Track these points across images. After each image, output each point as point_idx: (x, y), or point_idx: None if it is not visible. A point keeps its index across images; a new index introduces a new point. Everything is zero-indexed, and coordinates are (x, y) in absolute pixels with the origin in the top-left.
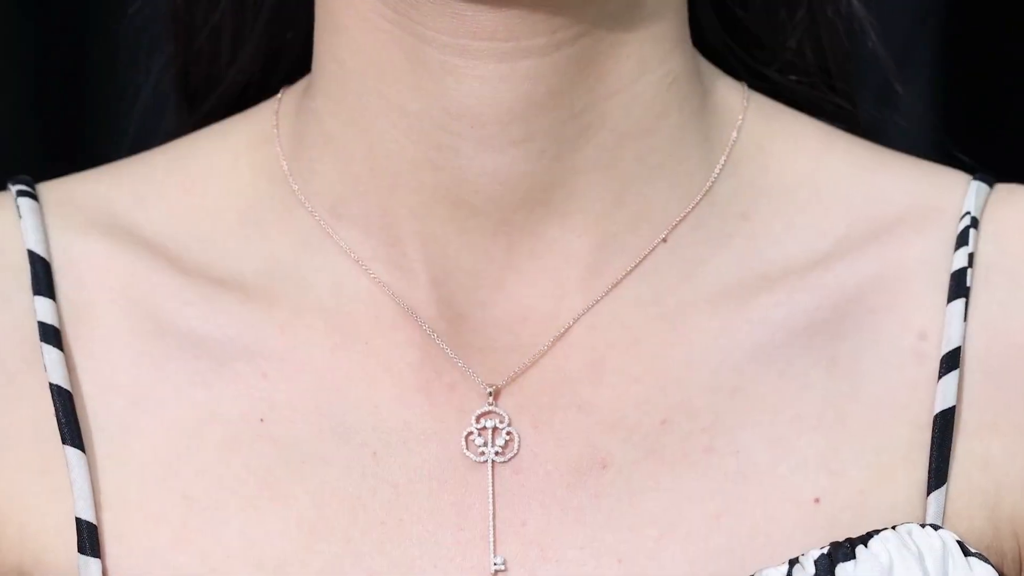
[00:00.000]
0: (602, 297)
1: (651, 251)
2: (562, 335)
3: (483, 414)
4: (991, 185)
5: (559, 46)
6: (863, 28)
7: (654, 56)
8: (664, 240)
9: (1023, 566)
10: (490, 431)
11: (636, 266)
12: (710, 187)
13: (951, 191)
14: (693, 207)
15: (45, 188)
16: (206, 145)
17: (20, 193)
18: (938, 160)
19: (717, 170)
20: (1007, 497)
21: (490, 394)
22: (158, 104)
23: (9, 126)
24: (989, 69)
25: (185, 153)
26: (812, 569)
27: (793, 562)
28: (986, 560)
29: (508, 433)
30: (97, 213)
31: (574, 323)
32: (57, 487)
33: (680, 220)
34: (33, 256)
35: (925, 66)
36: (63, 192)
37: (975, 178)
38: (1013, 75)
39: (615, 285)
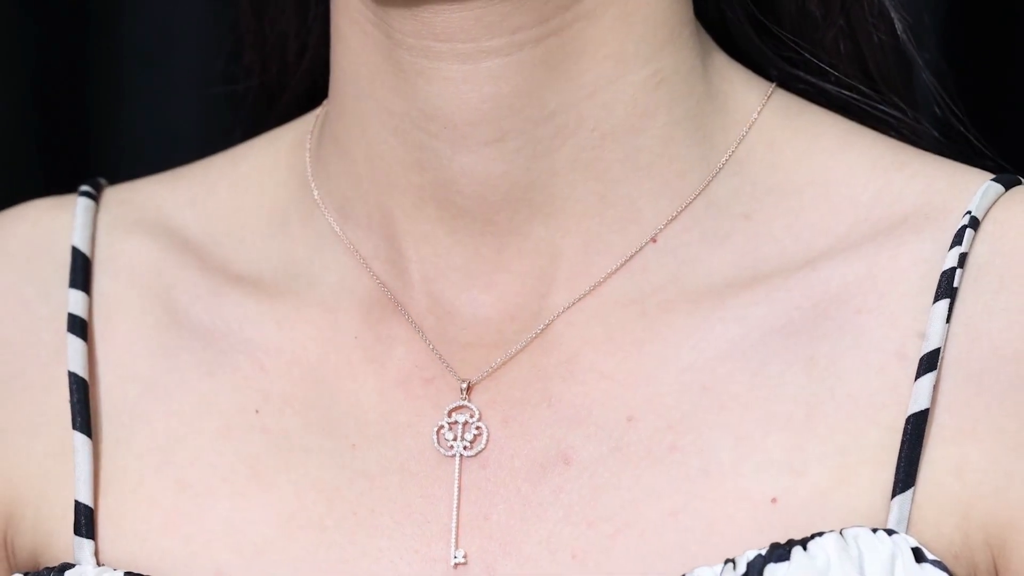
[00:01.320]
0: (584, 295)
1: (639, 251)
2: (541, 332)
3: (455, 408)
4: (1009, 186)
5: (521, 46)
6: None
7: (637, 56)
8: (654, 240)
9: (997, 574)
10: (460, 425)
11: (622, 265)
12: (707, 186)
13: (963, 191)
14: (686, 207)
15: (112, 190)
16: (258, 147)
17: (82, 193)
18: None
19: (717, 169)
20: (979, 504)
21: (463, 389)
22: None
23: (10, 126)
24: (989, 69)
25: (239, 156)
26: (744, 569)
27: (728, 561)
28: (944, 568)
29: (477, 428)
30: (147, 212)
31: (553, 320)
32: (67, 473)
33: (672, 220)
34: (75, 252)
35: (925, 66)
36: (124, 193)
37: (994, 179)
38: (1013, 75)
39: (599, 284)
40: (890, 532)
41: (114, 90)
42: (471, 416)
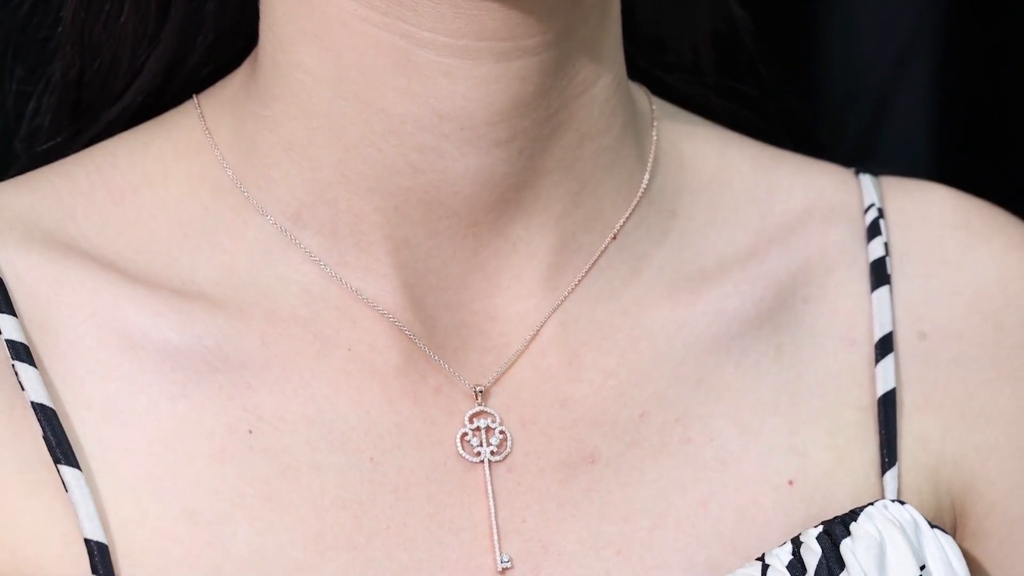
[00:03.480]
0: (568, 295)
1: (604, 248)
2: (536, 334)
3: (475, 414)
4: (876, 176)
5: (547, 46)
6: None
7: (610, 58)
8: (614, 237)
9: (956, 533)
10: (483, 431)
11: (593, 264)
12: (647, 185)
13: (845, 185)
14: (636, 204)
15: None
16: (127, 155)
17: None
18: (933, 158)
19: (649, 168)
20: (943, 472)
21: (478, 395)
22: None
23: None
24: (988, 69)
25: (104, 163)
26: (818, 548)
27: (796, 542)
28: (947, 532)
29: (501, 432)
30: (28, 227)
31: (546, 321)
32: (50, 508)
33: (627, 218)
34: None
35: (924, 66)
36: None
37: (858, 171)
38: (1013, 75)
39: (578, 283)
40: (902, 503)
41: None
42: (493, 421)
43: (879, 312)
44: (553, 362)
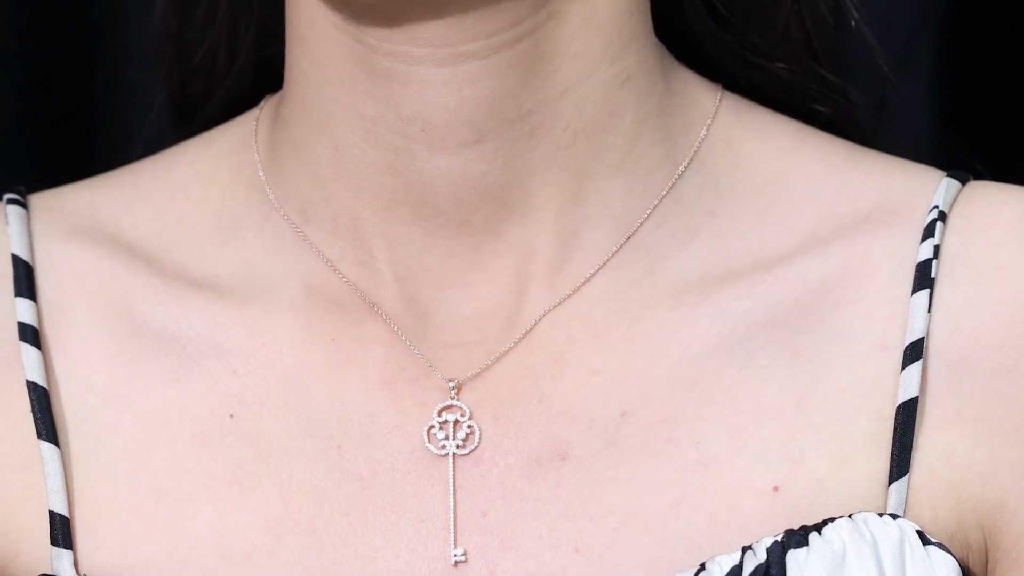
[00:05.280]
0: (569, 295)
1: (617, 248)
2: (529, 332)
3: (444, 408)
4: (964, 182)
5: (498, 48)
6: (850, 16)
7: (605, 56)
8: (628, 237)
9: (988, 555)
10: (451, 424)
11: (603, 264)
12: (674, 184)
13: (923, 188)
14: (657, 204)
15: (36, 197)
16: (191, 152)
17: (10, 201)
18: (933, 158)
19: (682, 168)
20: (969, 488)
21: (452, 388)
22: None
23: (7, 132)
24: (989, 69)
25: (171, 161)
26: (764, 555)
27: (746, 549)
28: (946, 550)
29: (469, 426)
30: (82, 219)
31: (540, 319)
32: (33, 484)
33: (643, 217)
34: (16, 260)
35: (924, 66)
36: (53, 200)
37: (948, 175)
38: (1013, 75)
39: (583, 283)
40: (894, 516)
41: (117, 89)
42: (462, 415)
43: (914, 317)
44: (538, 359)
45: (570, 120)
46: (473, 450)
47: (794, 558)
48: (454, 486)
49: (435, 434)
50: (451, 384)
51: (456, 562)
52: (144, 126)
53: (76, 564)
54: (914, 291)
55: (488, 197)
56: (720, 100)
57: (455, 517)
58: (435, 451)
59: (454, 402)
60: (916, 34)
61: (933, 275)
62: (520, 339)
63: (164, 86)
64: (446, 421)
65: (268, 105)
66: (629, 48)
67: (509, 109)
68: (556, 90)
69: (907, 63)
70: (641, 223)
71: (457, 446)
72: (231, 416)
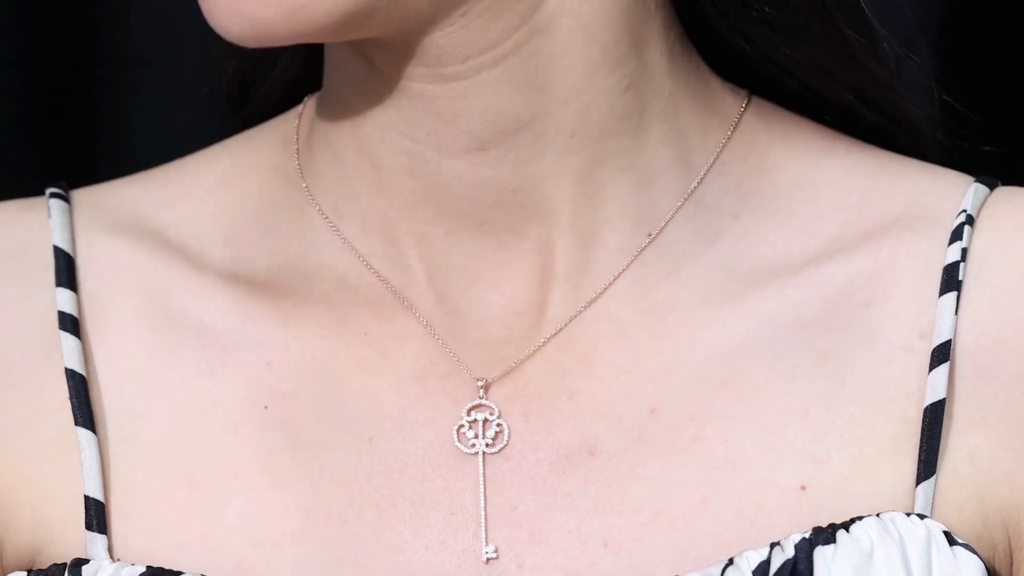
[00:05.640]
0: (601, 293)
1: (640, 249)
2: (559, 331)
3: (474, 407)
4: (993, 187)
5: (478, 70)
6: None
7: (604, 64)
8: (650, 236)
9: (1013, 555)
10: (480, 423)
11: (629, 263)
12: (696, 186)
13: (950, 192)
14: (680, 206)
15: (79, 193)
16: (233, 148)
17: (52, 195)
18: (933, 158)
19: (704, 170)
20: (993, 489)
21: (481, 387)
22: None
23: (7, 132)
24: (989, 69)
25: (213, 157)
26: (792, 551)
27: (774, 545)
28: (972, 550)
29: (498, 425)
30: (123, 214)
31: (572, 319)
32: (69, 470)
33: (664, 217)
34: (58, 251)
35: (925, 63)
36: (94, 195)
37: (977, 180)
38: (1013, 75)
39: (609, 282)
40: (921, 516)
41: (117, 90)
42: (491, 414)
43: (941, 319)
44: (567, 357)
45: (576, 128)
46: (502, 448)
47: (822, 555)
48: (484, 481)
49: (464, 433)
50: (480, 383)
51: (488, 559)
52: (144, 127)
53: (110, 549)
54: (941, 294)
55: (502, 199)
56: (746, 104)
57: (485, 510)
58: (464, 450)
59: (483, 401)
60: (916, 34)
61: (960, 278)
62: (549, 337)
63: (218, 78)
64: (475, 420)
65: (309, 103)
66: (629, 55)
67: (506, 120)
68: (556, 100)
69: (907, 63)
70: (664, 224)
71: (487, 445)
72: (265, 407)
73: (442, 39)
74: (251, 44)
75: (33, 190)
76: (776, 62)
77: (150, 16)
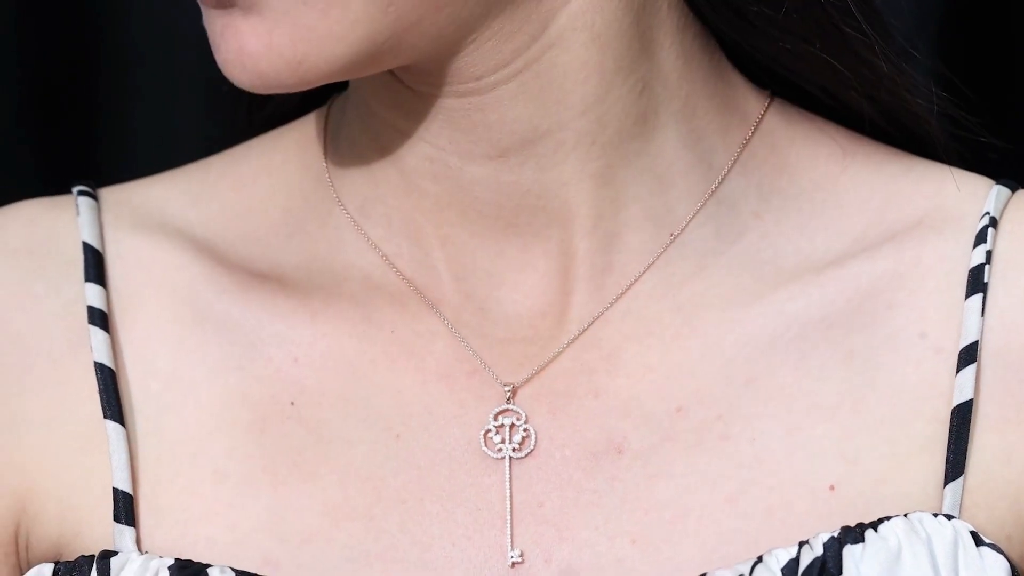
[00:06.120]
0: (624, 292)
1: (663, 248)
2: (584, 331)
3: (501, 411)
4: (1014, 190)
5: (493, 87)
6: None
7: (619, 71)
8: (672, 236)
9: None
10: (507, 428)
11: (652, 263)
12: (717, 186)
13: (973, 195)
14: (701, 206)
15: (106, 191)
16: (259, 147)
17: (80, 193)
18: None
19: (725, 171)
20: None
21: (508, 392)
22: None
23: (7, 132)
24: (989, 69)
25: (240, 155)
26: (820, 550)
27: (803, 543)
28: (999, 551)
29: (525, 430)
30: (149, 212)
31: (596, 318)
32: (96, 463)
33: (686, 217)
34: (87, 248)
35: (924, 66)
36: (121, 194)
37: (998, 183)
38: (1013, 75)
39: (633, 282)
40: (949, 517)
41: (117, 90)
42: (517, 419)
43: (967, 321)
44: (593, 356)
45: (595, 135)
46: (528, 454)
47: (850, 553)
48: (511, 478)
49: (491, 438)
50: (507, 388)
51: (513, 563)
52: (144, 127)
53: (138, 542)
54: (967, 295)
55: (525, 203)
56: (769, 105)
57: (511, 506)
58: (491, 455)
59: (510, 406)
60: (916, 34)
61: (986, 280)
62: (574, 337)
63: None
64: (502, 425)
65: (335, 104)
66: (642, 58)
67: (525, 131)
68: (574, 111)
69: (907, 63)
70: (686, 224)
71: (513, 449)
72: (291, 403)
73: (454, 63)
74: (262, 92)
75: (33, 190)
76: (780, 61)
77: (150, 16)
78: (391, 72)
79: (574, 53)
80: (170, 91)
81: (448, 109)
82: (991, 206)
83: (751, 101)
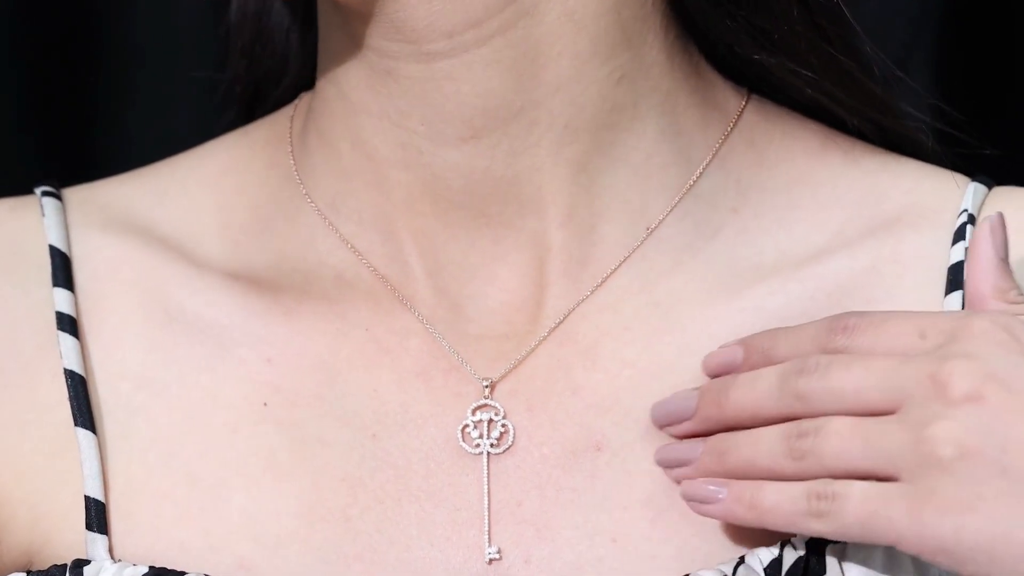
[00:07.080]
0: (598, 286)
1: (639, 243)
2: (558, 325)
3: (478, 407)
4: (990, 187)
5: (466, 48)
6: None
7: (596, 55)
8: (648, 230)
9: None
10: (485, 423)
11: (627, 256)
12: (695, 181)
13: (950, 192)
14: (678, 200)
15: (70, 191)
16: (227, 143)
17: (45, 194)
18: (950, 162)
19: (703, 165)
20: None
21: (486, 387)
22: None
23: (7, 132)
24: (988, 69)
25: (206, 153)
26: (803, 549)
27: (785, 543)
28: None
29: (503, 426)
30: (116, 212)
31: (570, 312)
32: (67, 469)
33: (663, 211)
34: (53, 251)
35: (924, 66)
36: (86, 194)
37: (974, 180)
38: (1013, 75)
39: (607, 276)
40: None
41: (117, 90)
42: (495, 414)
43: None
44: (570, 351)
45: (569, 118)
46: (507, 449)
47: (833, 553)
48: (488, 481)
49: (469, 433)
50: (484, 383)
51: (491, 560)
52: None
53: (110, 549)
54: (947, 292)
55: (498, 191)
56: (747, 101)
57: (489, 506)
58: (469, 450)
59: (488, 401)
60: (916, 34)
61: (965, 276)
62: (550, 331)
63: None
64: (480, 420)
65: (303, 100)
66: (621, 47)
67: (499, 107)
68: (547, 89)
69: (907, 63)
70: (662, 218)
71: (491, 445)
72: (264, 404)
73: (423, 11)
74: None
75: (33, 189)
76: (762, 64)
77: (150, 15)
78: (353, 36)
79: (548, 27)
80: (170, 91)
81: (420, 80)
82: (969, 203)
83: (730, 98)
